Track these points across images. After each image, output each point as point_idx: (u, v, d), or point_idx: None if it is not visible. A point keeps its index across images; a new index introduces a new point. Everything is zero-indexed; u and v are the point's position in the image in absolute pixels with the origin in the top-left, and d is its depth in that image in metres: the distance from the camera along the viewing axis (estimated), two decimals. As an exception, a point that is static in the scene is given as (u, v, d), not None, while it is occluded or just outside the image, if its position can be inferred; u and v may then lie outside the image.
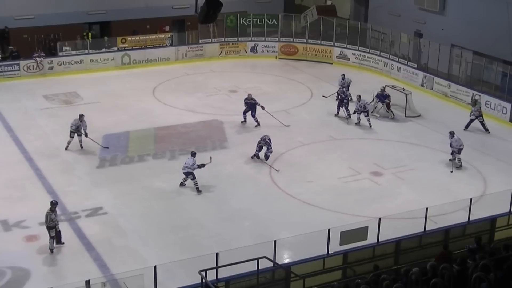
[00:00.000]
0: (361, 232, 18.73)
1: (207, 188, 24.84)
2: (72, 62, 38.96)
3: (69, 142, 28.08)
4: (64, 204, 23.26)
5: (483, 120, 31.08)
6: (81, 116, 28.19)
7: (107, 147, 28.29)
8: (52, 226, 20.32)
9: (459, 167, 26.83)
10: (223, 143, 29.28)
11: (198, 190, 24.56)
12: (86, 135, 28.00)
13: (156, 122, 31.38)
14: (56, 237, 20.57)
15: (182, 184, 24.87)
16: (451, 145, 26.93)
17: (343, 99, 32.14)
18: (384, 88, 32.94)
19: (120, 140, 29.31)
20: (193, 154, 24.97)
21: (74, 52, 39.35)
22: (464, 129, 30.83)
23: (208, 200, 24.10)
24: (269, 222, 22.49)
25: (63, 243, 20.67)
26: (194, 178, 24.57)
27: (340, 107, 32.28)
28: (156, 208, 23.50)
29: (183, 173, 24.70)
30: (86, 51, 39.58)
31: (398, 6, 42.84)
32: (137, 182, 25.40)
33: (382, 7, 44.12)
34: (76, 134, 28.06)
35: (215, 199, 24.17)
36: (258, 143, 27.29)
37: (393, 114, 32.49)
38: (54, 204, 20.63)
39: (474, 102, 31.97)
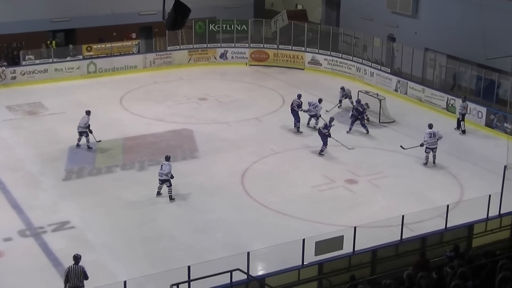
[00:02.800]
0: (337, 242, 18.71)
1: (178, 199, 24.76)
2: (36, 72, 38.69)
3: (79, 140, 29.09)
4: (29, 218, 23.07)
5: (463, 120, 31.73)
6: (89, 112, 29.39)
7: (100, 141, 29.21)
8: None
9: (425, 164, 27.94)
10: (193, 152, 29.21)
11: (171, 198, 24.57)
12: (91, 131, 28.89)
13: (124, 132, 31.23)
14: None
15: (158, 194, 24.79)
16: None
17: (360, 114, 31.56)
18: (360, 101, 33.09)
19: (87, 151, 29.08)
20: (168, 159, 24.83)
21: (37, 61, 39.10)
22: (462, 134, 31.67)
23: (179, 211, 24.02)
24: (242, 233, 22.46)
25: None
26: (170, 185, 24.50)
27: (354, 123, 31.72)
28: (126, 220, 23.35)
29: (160, 180, 24.61)
30: (51, 60, 39.35)
31: (370, 10, 43.08)
32: (105, 194, 25.24)
33: (354, 11, 44.34)
34: (83, 135, 28.97)
35: (186, 210, 24.09)
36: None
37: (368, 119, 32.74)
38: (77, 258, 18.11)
39: (464, 98, 32.07)
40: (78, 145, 29.19)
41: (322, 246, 18.45)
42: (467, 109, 31.88)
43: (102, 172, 27.21)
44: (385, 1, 41.56)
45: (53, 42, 41.42)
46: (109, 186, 25.94)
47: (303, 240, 18.26)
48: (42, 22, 41.06)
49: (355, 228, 19.10)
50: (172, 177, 24.45)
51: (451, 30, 37.31)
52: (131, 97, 36.55)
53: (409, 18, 40.25)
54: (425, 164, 27.79)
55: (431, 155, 27.92)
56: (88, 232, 22.43)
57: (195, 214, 23.79)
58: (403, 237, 19.88)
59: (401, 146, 28.83)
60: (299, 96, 32.19)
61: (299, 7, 51.88)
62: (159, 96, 36.52)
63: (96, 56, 40.56)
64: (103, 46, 41.11)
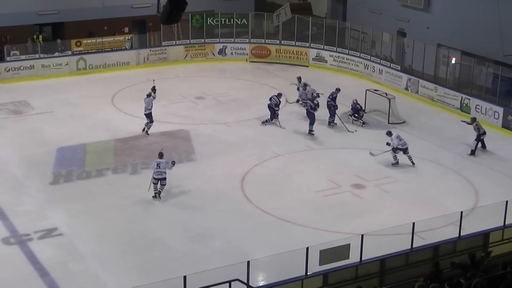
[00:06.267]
0: (343, 251, 18.75)
1: (173, 205, 24.79)
2: (22, 68, 38.71)
3: (148, 126, 31.02)
4: (14, 225, 23.06)
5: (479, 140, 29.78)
6: (150, 94, 31.07)
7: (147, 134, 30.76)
8: None
9: (412, 164, 28.24)
10: (190, 155, 29.22)
11: (159, 196, 24.92)
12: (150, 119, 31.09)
13: (116, 133, 31.26)
14: None
15: (155, 196, 24.95)
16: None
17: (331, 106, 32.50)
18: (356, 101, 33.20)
19: (76, 154, 29.12)
20: (162, 156, 25.19)
21: (23, 57, 39.11)
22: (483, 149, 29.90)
23: (174, 218, 24.01)
24: (242, 241, 22.46)
25: None
26: (165, 183, 25.01)
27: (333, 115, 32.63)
28: (117, 227, 23.34)
29: (157, 179, 24.84)
30: (37, 56, 39.36)
31: (379, 3, 43.14)
32: (95, 199, 25.25)
33: (361, 4, 44.42)
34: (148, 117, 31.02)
35: (182, 217, 24.09)
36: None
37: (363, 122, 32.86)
38: None
39: (472, 121, 30.18)
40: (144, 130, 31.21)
41: (327, 255, 18.48)
42: (479, 129, 29.58)
43: (92, 176, 27.22)
44: (395, -6, 41.67)
45: (40, 36, 41.45)
46: (99, 190, 25.94)
47: (307, 248, 18.28)
48: (28, 15, 41.10)
49: (362, 236, 19.13)
50: (174, 163, 25.31)
51: (466, 24, 37.31)
52: (123, 95, 36.57)
53: (421, 11, 40.29)
54: (397, 163, 28.17)
55: (403, 156, 28.24)
56: (77, 240, 22.41)
57: (191, 221, 23.77)
58: (414, 246, 19.89)
59: (370, 153, 28.76)
60: (279, 95, 33.10)
61: (303, -1, 51.98)
62: (153, 94, 36.54)
63: (86, 51, 40.57)
64: (93, 41, 41.13)
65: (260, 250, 21.59)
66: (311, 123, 31.30)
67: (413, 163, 28.13)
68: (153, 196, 24.95)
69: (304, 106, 33.00)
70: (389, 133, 28.49)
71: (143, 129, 31.04)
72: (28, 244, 22.01)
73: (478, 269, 16.86)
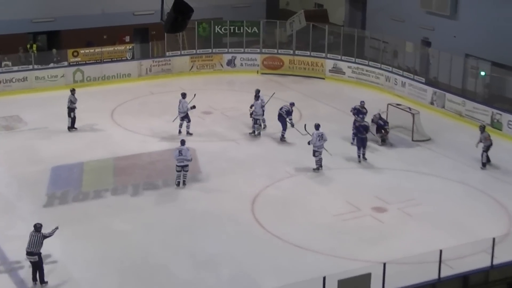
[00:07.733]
0: (363, 280, 18.61)
1: (177, 229, 24.69)
2: (14, 80, 38.85)
3: (180, 126, 33.06)
4: (3, 251, 22.99)
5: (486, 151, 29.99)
6: (184, 95, 33.05)
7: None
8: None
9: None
10: (196, 175, 29.12)
11: (185, 183, 27.61)
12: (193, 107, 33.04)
13: (116, 150, 31.27)
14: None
15: (179, 184, 27.54)
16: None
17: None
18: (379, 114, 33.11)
19: (73, 173, 29.13)
20: (184, 143, 27.72)
21: (15, 68, 39.29)
22: (482, 167, 29.92)
23: (178, 243, 23.92)
24: (252, 269, 22.35)
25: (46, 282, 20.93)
26: (188, 170, 27.60)
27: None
28: (116, 254, 23.26)
29: (180, 166, 27.38)
30: (31, 67, 39.52)
31: (401, 10, 43.13)
32: (93, 223, 25.19)
33: (382, 11, 44.41)
34: (184, 118, 32.92)
35: (187, 242, 23.99)
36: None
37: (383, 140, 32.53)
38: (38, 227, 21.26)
39: (483, 128, 30.55)
40: (179, 132, 33.09)
41: (346, 285, 18.34)
42: (490, 139, 29.93)
43: (89, 197, 27.17)
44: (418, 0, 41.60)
45: (34, 45, 41.64)
46: (97, 213, 25.89)
47: (324, 278, 18.13)
48: (21, 23, 41.28)
49: (384, 264, 18.99)
50: (191, 159, 27.58)
51: (496, 32, 37.22)
52: (123, 110, 36.61)
53: (447, 19, 40.25)
54: (320, 168, 29.27)
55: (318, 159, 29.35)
56: (73, 267, 22.31)
57: (197, 246, 23.68)
58: (441, 276, 19.74)
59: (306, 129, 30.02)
60: (292, 104, 33.09)
61: (319, 6, 51.97)
62: (156, 109, 36.55)
63: (84, 62, 40.70)
64: (91, 51, 41.24)
65: (272, 278, 21.46)
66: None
67: (315, 169, 29.26)
68: (176, 184, 27.51)
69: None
70: (317, 127, 29.37)
71: (184, 132, 32.97)
72: (19, 273, 21.90)
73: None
